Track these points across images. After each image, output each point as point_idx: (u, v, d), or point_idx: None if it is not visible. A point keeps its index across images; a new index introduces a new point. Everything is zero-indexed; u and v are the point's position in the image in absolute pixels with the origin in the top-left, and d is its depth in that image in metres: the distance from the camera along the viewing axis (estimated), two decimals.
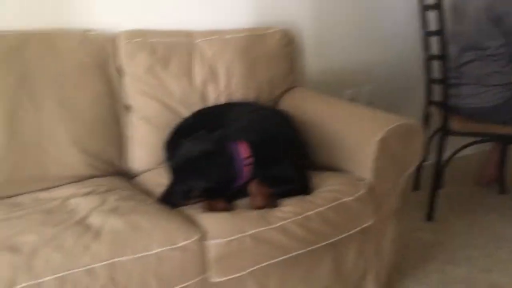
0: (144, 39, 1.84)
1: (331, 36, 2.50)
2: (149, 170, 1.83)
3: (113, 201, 1.46)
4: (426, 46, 2.45)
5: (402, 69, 2.77)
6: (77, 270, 1.18)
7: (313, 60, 2.47)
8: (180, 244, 1.30)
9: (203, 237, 1.35)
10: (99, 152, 1.74)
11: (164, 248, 1.28)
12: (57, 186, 1.63)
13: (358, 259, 1.69)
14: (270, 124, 1.72)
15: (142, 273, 1.25)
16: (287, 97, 2.10)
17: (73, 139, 1.68)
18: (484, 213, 2.46)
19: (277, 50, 2.08)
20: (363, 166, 1.65)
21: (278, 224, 1.43)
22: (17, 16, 1.76)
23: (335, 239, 1.57)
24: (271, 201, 1.51)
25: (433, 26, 2.34)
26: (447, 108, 2.28)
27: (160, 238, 1.30)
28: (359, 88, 2.66)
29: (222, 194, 1.52)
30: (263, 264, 1.44)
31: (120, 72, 1.83)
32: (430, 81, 2.48)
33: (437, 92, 2.39)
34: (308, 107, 1.95)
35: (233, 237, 1.36)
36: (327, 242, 1.55)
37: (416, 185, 2.70)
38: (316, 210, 1.50)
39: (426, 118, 2.56)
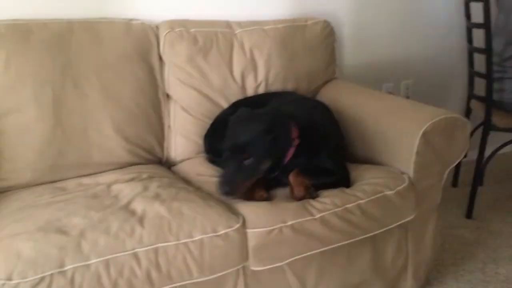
0: (185, 29, 1.85)
1: (370, 28, 2.46)
2: (187, 159, 1.85)
3: (155, 188, 1.48)
4: (470, 39, 2.38)
5: (442, 63, 2.71)
6: (122, 253, 1.20)
7: (351, 53, 2.43)
8: (222, 232, 1.31)
9: (244, 226, 1.35)
10: (140, 140, 1.76)
11: (206, 235, 1.29)
12: (100, 173, 1.66)
13: (397, 254, 1.66)
14: (311, 114, 1.70)
15: (184, 259, 1.27)
16: (326, 89, 2.08)
17: (116, 127, 1.70)
18: None
19: (318, 41, 2.06)
20: (404, 159, 1.62)
21: (318, 216, 1.42)
22: (61, 5, 1.80)
23: (375, 232, 1.55)
24: (311, 192, 1.50)
25: (476, 18, 2.28)
26: (490, 103, 2.21)
27: (202, 225, 1.31)
28: (398, 82, 2.61)
29: (267, 177, 1.52)
30: (302, 255, 1.44)
31: (161, 61, 1.85)
32: (473, 75, 2.42)
33: (480, 87, 2.32)
34: (347, 99, 1.93)
35: (273, 227, 1.36)
36: (366, 236, 1.53)
37: (454, 181, 2.64)
38: (356, 202, 1.49)
39: (467, 113, 2.50)
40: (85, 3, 1.83)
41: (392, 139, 1.67)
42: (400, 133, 1.64)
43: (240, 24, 1.99)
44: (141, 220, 1.29)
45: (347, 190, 1.54)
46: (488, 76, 2.19)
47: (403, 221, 1.60)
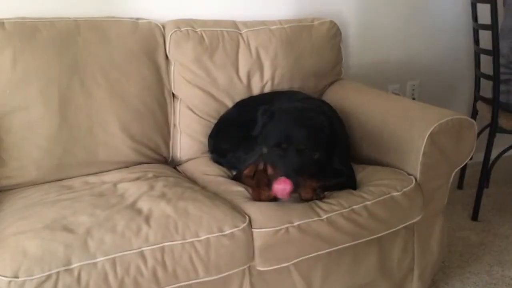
0: (192, 28, 1.85)
1: (376, 28, 2.45)
2: (193, 158, 1.85)
3: (161, 187, 1.47)
4: (477, 40, 2.37)
5: (449, 64, 2.70)
6: (129, 252, 1.20)
7: (357, 53, 2.43)
8: (228, 232, 1.31)
9: (250, 226, 1.35)
10: (145, 139, 1.76)
11: (212, 235, 1.29)
12: (105, 171, 1.66)
13: (403, 255, 1.65)
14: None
15: (190, 259, 1.26)
16: (332, 89, 2.08)
17: (122, 125, 1.70)
18: None
19: (324, 41, 2.05)
20: (411, 161, 1.61)
21: (325, 216, 1.42)
22: (68, 4, 1.80)
23: (381, 234, 1.54)
24: (317, 194, 1.49)
25: (483, 19, 2.27)
26: (497, 105, 2.20)
27: (208, 225, 1.30)
28: (404, 83, 2.60)
29: None
30: (308, 256, 1.43)
31: (167, 60, 1.84)
32: (479, 77, 2.41)
33: (486, 88, 2.31)
34: (354, 100, 1.92)
35: (280, 227, 1.36)
36: (373, 237, 1.53)
37: (460, 183, 2.63)
38: (363, 203, 1.48)
39: (473, 115, 2.49)
40: (92, 2, 1.83)
41: (398, 140, 1.66)
42: (407, 134, 1.63)
43: (246, 24, 1.99)
44: (147, 219, 1.29)
45: (354, 192, 1.54)
46: (495, 78, 2.18)
47: (409, 222, 1.59)
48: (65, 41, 1.66)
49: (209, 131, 1.86)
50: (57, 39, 1.65)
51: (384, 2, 2.44)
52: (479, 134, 2.42)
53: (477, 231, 2.23)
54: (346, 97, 1.95)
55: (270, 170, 1.42)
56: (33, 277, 1.10)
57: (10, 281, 1.09)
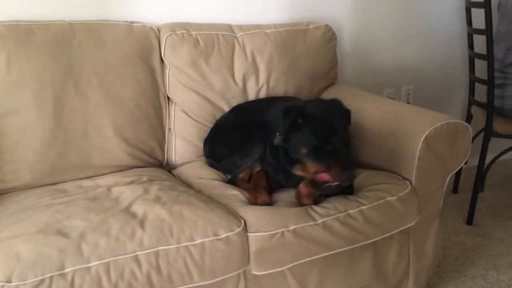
0: (187, 32, 1.85)
1: (371, 33, 2.46)
2: (188, 162, 1.84)
3: (156, 191, 1.47)
4: (471, 44, 2.38)
5: (443, 69, 2.71)
6: (123, 256, 1.19)
7: (353, 58, 2.44)
8: (223, 236, 1.30)
9: (245, 230, 1.34)
10: (140, 143, 1.75)
11: (207, 239, 1.28)
12: (100, 175, 1.65)
13: (399, 260, 1.65)
14: None
15: (185, 263, 1.25)
16: (328, 93, 2.07)
17: (116, 129, 1.70)
18: None
19: (319, 45, 2.05)
20: (406, 165, 1.61)
21: (320, 221, 1.41)
22: (63, 7, 1.79)
23: (377, 238, 1.54)
24: (316, 200, 1.48)
25: (478, 24, 2.28)
26: (491, 109, 2.21)
27: (203, 229, 1.30)
28: (399, 87, 2.61)
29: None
30: (303, 260, 1.43)
31: (162, 63, 1.84)
32: (474, 81, 2.42)
33: (481, 93, 2.32)
34: (349, 104, 1.90)
35: (275, 231, 1.35)
36: (368, 241, 1.52)
37: (455, 188, 2.63)
38: (359, 208, 1.48)
39: (468, 119, 2.50)
40: (87, 6, 1.83)
41: (394, 144, 1.66)
42: (402, 138, 1.63)
43: (241, 27, 1.99)
44: (141, 223, 1.28)
45: (349, 196, 1.53)
46: (489, 82, 2.19)
47: (405, 227, 1.59)
48: (59, 44, 1.66)
49: (204, 134, 1.86)
50: (51, 42, 1.65)
51: (379, 8, 2.45)
52: (473, 138, 2.43)
53: (472, 235, 2.24)
54: None
55: (315, 167, 1.41)
56: (27, 282, 1.09)
57: (3, 286, 1.08)
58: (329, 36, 2.09)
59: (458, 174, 2.60)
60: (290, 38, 2.02)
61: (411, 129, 1.62)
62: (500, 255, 2.08)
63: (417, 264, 1.70)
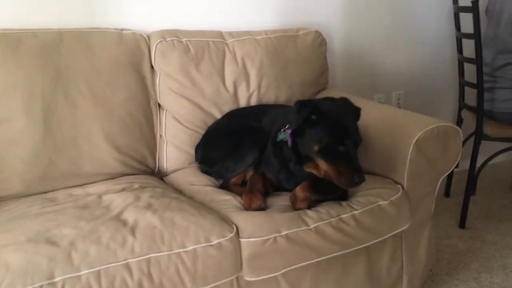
0: (177, 39, 1.85)
1: (361, 39, 2.48)
2: (180, 169, 1.83)
3: (147, 198, 1.46)
4: (460, 49, 2.40)
5: (433, 73, 2.73)
6: (114, 264, 1.17)
7: (343, 63, 2.45)
8: (215, 242, 1.29)
9: (237, 235, 1.34)
10: (131, 150, 1.74)
11: (199, 245, 1.27)
12: (90, 183, 1.64)
13: (392, 264, 1.65)
14: None
15: (177, 270, 1.24)
16: None
17: (107, 137, 1.68)
18: None
19: (310, 51, 2.06)
20: (398, 169, 1.62)
21: (313, 226, 1.41)
22: (52, 15, 1.79)
23: (370, 243, 1.54)
24: (310, 205, 1.48)
25: (466, 29, 2.30)
26: (481, 113, 2.22)
27: (195, 235, 1.29)
28: (389, 92, 2.62)
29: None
30: (296, 266, 1.42)
31: (153, 70, 1.84)
32: (464, 85, 2.44)
33: (471, 97, 2.34)
34: None
35: (268, 237, 1.35)
36: (361, 246, 1.52)
37: (447, 191, 2.64)
38: (351, 213, 1.48)
39: (459, 123, 2.52)
40: (76, 14, 1.83)
41: (385, 148, 1.66)
42: (393, 142, 1.64)
43: (232, 34, 1.99)
44: (132, 230, 1.27)
45: (342, 202, 1.53)
46: (478, 86, 2.20)
47: (397, 231, 1.59)
48: (48, 52, 1.65)
49: (195, 141, 1.85)
50: (40, 50, 1.64)
51: (369, 14, 2.46)
52: (464, 142, 2.44)
53: (465, 238, 2.24)
54: None
55: (328, 167, 1.39)
56: None
57: None
58: (319, 41, 2.10)
59: (450, 177, 2.61)
60: (281, 44, 2.02)
61: (402, 133, 1.62)
62: (493, 257, 2.08)
63: (410, 268, 1.70)
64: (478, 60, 2.18)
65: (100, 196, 1.50)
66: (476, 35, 2.15)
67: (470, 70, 2.31)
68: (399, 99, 2.65)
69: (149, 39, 1.85)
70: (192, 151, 1.85)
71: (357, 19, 2.44)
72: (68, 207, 1.42)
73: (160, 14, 1.97)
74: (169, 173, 1.84)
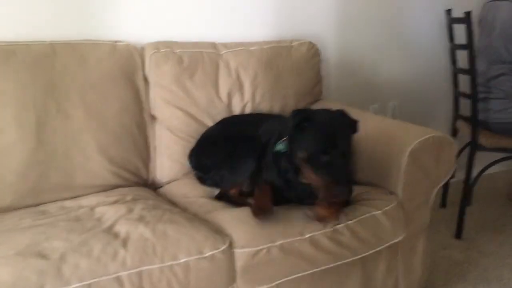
0: (171, 50, 1.85)
1: (356, 50, 2.48)
2: (174, 180, 1.82)
3: (140, 210, 1.44)
4: (454, 60, 2.41)
5: (428, 84, 2.74)
6: (105, 277, 1.16)
7: (337, 74, 2.45)
8: (208, 254, 1.28)
9: (231, 247, 1.32)
10: (124, 162, 1.73)
11: (191, 258, 1.26)
12: (83, 195, 1.62)
13: (387, 276, 1.64)
14: None
15: (169, 283, 1.23)
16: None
17: (100, 148, 1.67)
18: None
19: (304, 61, 2.07)
20: (393, 179, 1.61)
21: (307, 236, 1.40)
22: (45, 27, 1.78)
23: (365, 254, 1.52)
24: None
25: (460, 40, 2.31)
26: (476, 123, 2.23)
27: (187, 247, 1.27)
28: (384, 103, 2.63)
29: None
30: (291, 277, 1.41)
31: (146, 82, 1.83)
32: (458, 96, 2.44)
33: (465, 107, 2.34)
34: None
35: (261, 247, 1.34)
36: (356, 258, 1.51)
37: (442, 202, 2.63)
38: (345, 223, 1.47)
39: (454, 133, 2.52)
40: (69, 26, 1.82)
41: (380, 159, 1.66)
42: (388, 153, 1.63)
43: (225, 45, 1.99)
44: (124, 243, 1.25)
45: None
46: (473, 96, 2.21)
47: (392, 241, 1.58)
48: (41, 64, 1.64)
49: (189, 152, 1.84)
50: (32, 62, 1.63)
51: (363, 25, 2.48)
52: (460, 152, 2.44)
53: (461, 249, 2.23)
54: None
55: (313, 177, 1.37)
56: None
57: None
58: (313, 52, 2.10)
59: (445, 188, 2.60)
60: (275, 55, 2.03)
61: (396, 143, 1.62)
62: (489, 268, 2.07)
63: (406, 279, 1.69)
64: (471, 71, 2.18)
65: (92, 209, 1.48)
66: (469, 46, 2.16)
67: (464, 81, 2.32)
68: (394, 109, 2.65)
69: (143, 50, 1.85)
70: (186, 162, 1.84)
71: (351, 30, 2.45)
72: (59, 219, 1.40)
73: (154, 25, 1.97)
74: (163, 185, 1.82)
